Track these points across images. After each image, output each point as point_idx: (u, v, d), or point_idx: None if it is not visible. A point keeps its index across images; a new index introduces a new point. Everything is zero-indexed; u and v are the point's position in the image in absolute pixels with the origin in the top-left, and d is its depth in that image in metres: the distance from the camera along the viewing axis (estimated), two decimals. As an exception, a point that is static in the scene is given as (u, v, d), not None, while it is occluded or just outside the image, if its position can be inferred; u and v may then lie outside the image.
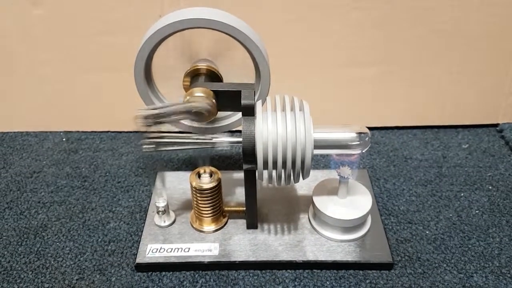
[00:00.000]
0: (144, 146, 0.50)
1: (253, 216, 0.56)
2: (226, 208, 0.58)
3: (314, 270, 0.54)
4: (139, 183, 0.66)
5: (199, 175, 0.55)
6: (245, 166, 0.50)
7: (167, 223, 0.58)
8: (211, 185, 0.54)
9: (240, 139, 0.49)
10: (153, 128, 0.49)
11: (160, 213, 0.57)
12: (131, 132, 0.77)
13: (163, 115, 0.49)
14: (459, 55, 0.71)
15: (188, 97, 0.51)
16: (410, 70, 0.72)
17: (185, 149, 0.52)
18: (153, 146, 0.50)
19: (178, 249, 0.55)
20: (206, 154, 0.57)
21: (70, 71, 0.72)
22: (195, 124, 0.58)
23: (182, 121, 0.57)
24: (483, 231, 0.58)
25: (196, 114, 0.51)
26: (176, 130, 0.59)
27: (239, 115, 0.59)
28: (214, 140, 0.51)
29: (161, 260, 0.54)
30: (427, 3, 0.66)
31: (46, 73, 0.72)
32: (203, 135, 0.52)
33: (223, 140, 0.51)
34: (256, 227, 0.57)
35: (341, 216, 0.54)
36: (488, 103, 0.75)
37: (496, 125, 0.77)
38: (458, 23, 0.68)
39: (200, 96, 0.51)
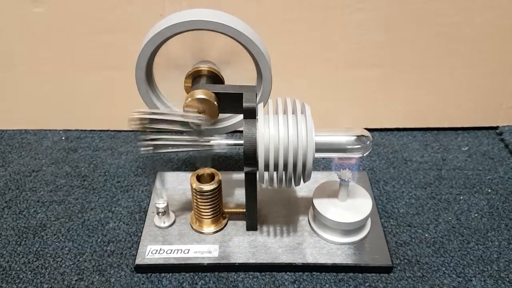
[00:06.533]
0: (142, 148, 0.49)
1: (253, 218, 0.56)
2: (226, 210, 0.58)
3: (314, 273, 0.54)
4: (138, 183, 0.66)
5: (199, 177, 0.55)
6: (246, 169, 0.50)
7: (166, 224, 0.58)
8: (211, 187, 0.54)
9: (241, 141, 0.49)
10: (147, 130, 0.49)
11: (160, 214, 0.57)
12: (130, 131, 0.76)
13: (156, 121, 0.49)
14: (459, 58, 0.71)
15: (189, 99, 0.51)
16: (411, 72, 0.72)
17: (183, 151, 0.52)
18: (150, 148, 0.50)
19: (178, 250, 0.55)
20: (205, 155, 0.57)
21: (70, 69, 0.71)
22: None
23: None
24: (482, 235, 0.59)
25: (190, 127, 0.51)
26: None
27: (239, 117, 0.59)
28: (212, 142, 0.51)
29: (160, 262, 0.54)
30: (429, 5, 0.66)
31: (46, 71, 0.71)
32: (201, 137, 0.51)
33: (221, 142, 0.51)
34: (256, 229, 0.57)
35: (341, 219, 0.54)
36: (488, 106, 0.75)
37: (495, 128, 0.77)
38: (460, 26, 0.68)
39: (197, 106, 0.50)
